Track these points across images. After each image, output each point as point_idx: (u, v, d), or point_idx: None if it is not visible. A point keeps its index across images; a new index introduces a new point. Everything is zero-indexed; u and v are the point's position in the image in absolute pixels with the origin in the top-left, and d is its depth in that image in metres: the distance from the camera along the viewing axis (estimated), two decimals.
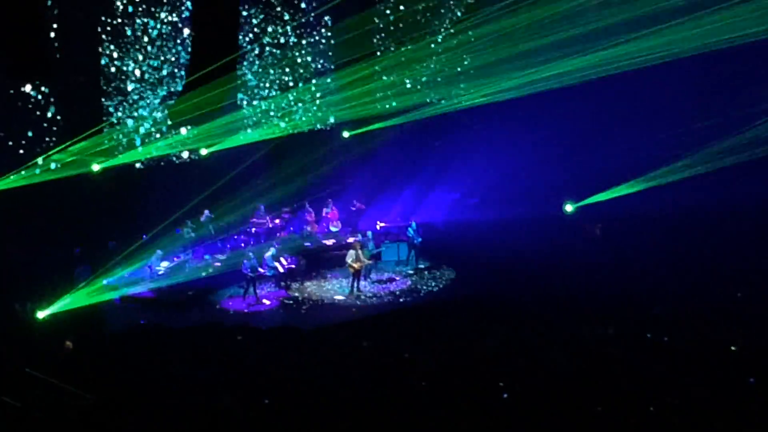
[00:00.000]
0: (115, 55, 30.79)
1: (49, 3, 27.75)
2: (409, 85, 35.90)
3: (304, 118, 35.20)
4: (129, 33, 30.96)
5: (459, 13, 34.89)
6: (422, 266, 32.10)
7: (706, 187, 31.66)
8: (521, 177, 36.50)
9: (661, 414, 17.14)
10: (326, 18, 35.58)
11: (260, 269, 28.74)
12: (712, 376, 18.80)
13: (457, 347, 21.72)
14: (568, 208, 31.98)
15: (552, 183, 35.51)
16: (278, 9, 35.06)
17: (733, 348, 20.55)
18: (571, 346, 21.32)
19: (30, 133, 28.70)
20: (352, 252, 29.39)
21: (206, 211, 32.53)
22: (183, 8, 31.97)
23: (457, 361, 20.64)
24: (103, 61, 30.42)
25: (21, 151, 28.25)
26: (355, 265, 29.16)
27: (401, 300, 28.59)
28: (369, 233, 31.85)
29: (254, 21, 34.25)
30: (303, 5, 35.40)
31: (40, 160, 27.75)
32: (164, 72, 32.25)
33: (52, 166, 27.92)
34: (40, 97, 28.83)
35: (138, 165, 31.62)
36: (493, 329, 23.10)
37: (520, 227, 34.17)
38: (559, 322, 23.39)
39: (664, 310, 22.92)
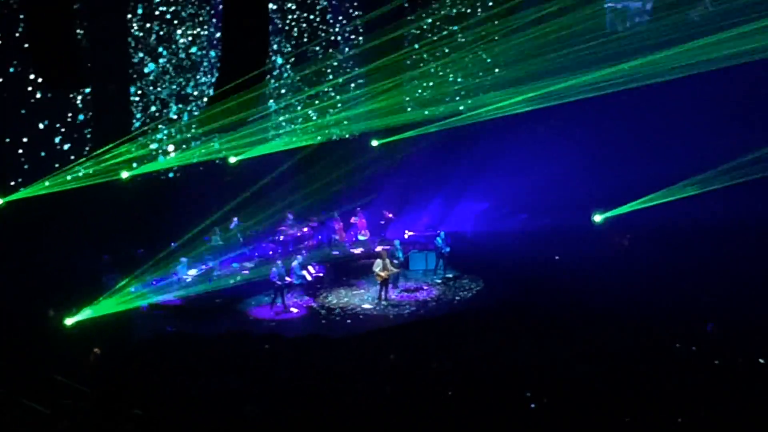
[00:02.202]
0: (144, 64, 30.99)
1: (81, 13, 27.95)
2: (438, 95, 35.86)
3: (333, 127, 35.21)
4: (160, 43, 31.17)
5: (490, 22, 34.83)
6: (450, 276, 31.96)
7: (737, 198, 31.45)
8: (550, 187, 36.34)
9: (690, 425, 17.04)
10: (357, 24, 35.72)
11: (288, 278, 28.74)
12: (740, 387, 18.68)
13: (484, 357, 21.68)
14: (597, 218, 31.83)
15: (581, 193, 35.33)
16: (309, 19, 35.23)
17: (761, 360, 20.41)
18: (599, 356, 21.23)
19: (60, 141, 28.91)
20: (379, 261, 29.30)
21: (235, 219, 32.60)
22: (213, 19, 32.13)
23: (484, 370, 20.59)
24: (132, 70, 30.67)
25: (51, 159, 28.46)
26: (383, 274, 29.08)
27: (429, 309, 28.51)
28: (397, 242, 31.77)
29: (285, 30, 34.42)
30: (332, 15, 35.58)
31: (70, 168, 27.93)
32: (194, 81, 32.43)
33: (82, 173, 28.09)
34: (70, 105, 29.07)
35: (167, 173, 31.76)
36: (521, 339, 23.05)
37: (549, 237, 34.06)
38: (587, 332, 23.30)
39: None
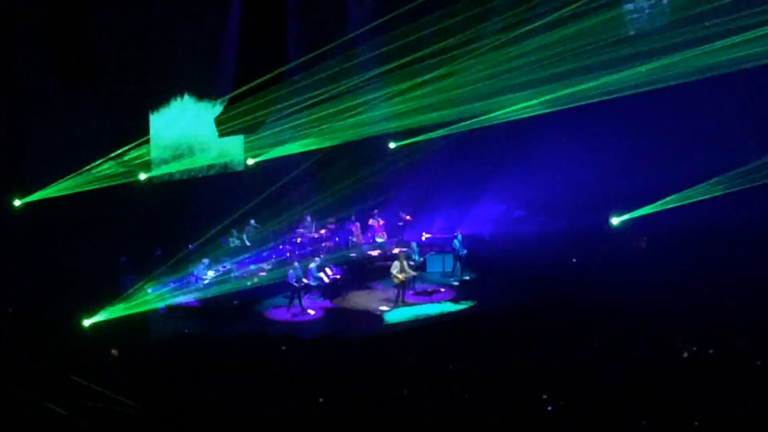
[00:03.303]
0: (161, 65, 31.05)
1: (99, 14, 28.04)
2: (457, 97, 35.61)
3: (351, 129, 35.08)
4: (177, 43, 31.20)
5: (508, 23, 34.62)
6: (467, 278, 31.97)
7: (755, 201, 31.27)
8: (567, 189, 36.24)
9: (706, 429, 16.96)
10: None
11: (305, 280, 28.75)
12: (756, 392, 18.58)
13: (501, 359, 21.62)
14: (614, 221, 31.73)
15: (598, 195, 35.20)
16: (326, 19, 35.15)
17: None
18: (616, 359, 21.15)
19: (78, 143, 29.00)
20: (396, 263, 29.31)
21: (252, 221, 32.63)
22: (231, 20, 32.11)
23: (500, 372, 20.55)
24: (150, 71, 30.71)
25: (69, 160, 28.54)
26: (400, 276, 29.07)
27: (446, 311, 28.49)
28: (414, 244, 31.80)
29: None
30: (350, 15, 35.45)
31: (87, 169, 28.03)
32: (212, 83, 32.43)
33: (99, 175, 28.18)
34: (89, 105, 29.15)
35: (184, 174, 31.80)
36: (537, 341, 22.99)
37: (566, 239, 33.95)
38: (604, 335, 23.23)
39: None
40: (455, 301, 29.62)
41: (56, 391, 18.89)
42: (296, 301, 28.49)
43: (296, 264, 28.84)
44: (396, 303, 29.10)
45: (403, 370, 21.06)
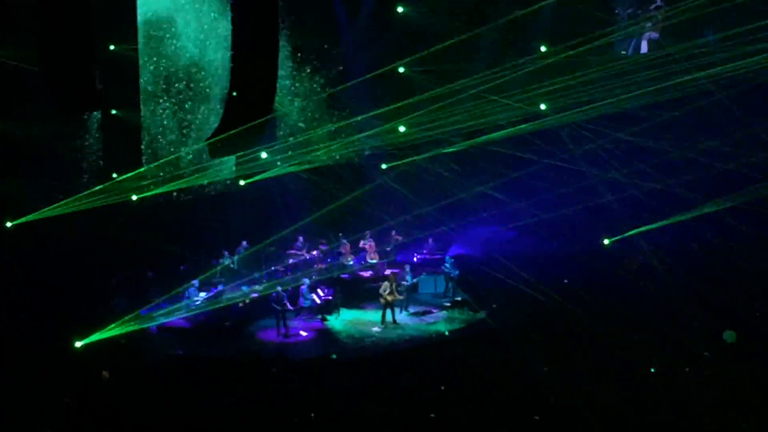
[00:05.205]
0: (157, 88, 31.15)
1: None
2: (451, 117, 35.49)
3: (341, 151, 35.05)
4: (171, 66, 31.33)
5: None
6: (459, 299, 31.94)
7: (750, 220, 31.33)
8: (559, 209, 36.22)
9: None
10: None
11: (285, 302, 28.59)
12: (755, 410, 18.70)
13: (492, 380, 21.69)
14: (606, 241, 31.76)
15: (590, 215, 35.21)
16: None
17: None
18: (607, 380, 21.24)
19: (71, 163, 29.06)
20: (386, 284, 29.34)
21: (243, 242, 32.64)
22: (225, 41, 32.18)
23: (492, 393, 20.61)
24: (144, 95, 30.78)
25: (64, 181, 28.57)
26: (388, 298, 29.10)
27: (436, 332, 28.51)
28: (406, 266, 31.83)
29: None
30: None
31: (80, 190, 28.06)
32: (203, 105, 32.48)
33: (92, 196, 28.21)
34: (82, 127, 29.25)
35: (177, 195, 31.84)
36: (528, 362, 23.07)
37: (558, 260, 33.95)
38: (595, 356, 23.33)
39: None
40: (449, 321, 29.76)
41: (48, 413, 18.92)
42: (281, 323, 28.38)
43: (279, 288, 28.75)
44: (383, 324, 29.11)
45: (394, 390, 21.11)
